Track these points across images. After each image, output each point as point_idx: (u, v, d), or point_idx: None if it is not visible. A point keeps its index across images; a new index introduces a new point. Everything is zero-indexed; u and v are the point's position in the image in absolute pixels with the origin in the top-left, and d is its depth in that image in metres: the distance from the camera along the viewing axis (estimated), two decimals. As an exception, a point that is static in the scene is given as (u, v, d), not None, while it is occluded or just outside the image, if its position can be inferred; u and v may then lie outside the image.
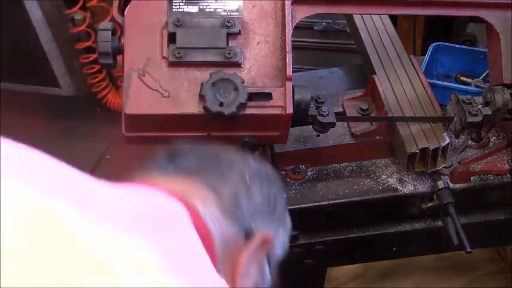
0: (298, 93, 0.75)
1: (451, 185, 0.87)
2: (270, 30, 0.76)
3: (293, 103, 0.73)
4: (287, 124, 0.75)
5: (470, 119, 0.81)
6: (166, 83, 0.72)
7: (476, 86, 1.05)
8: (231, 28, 0.74)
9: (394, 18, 1.13)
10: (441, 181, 0.86)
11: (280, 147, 0.89)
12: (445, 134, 0.85)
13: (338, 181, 0.90)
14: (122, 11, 0.75)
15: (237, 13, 0.75)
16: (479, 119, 0.81)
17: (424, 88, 0.93)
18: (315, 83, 1.13)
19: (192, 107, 0.71)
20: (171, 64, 0.72)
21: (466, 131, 0.93)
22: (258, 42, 0.75)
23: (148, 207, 0.48)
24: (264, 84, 0.74)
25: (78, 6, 2.20)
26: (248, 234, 0.56)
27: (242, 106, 0.70)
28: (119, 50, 0.74)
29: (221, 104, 0.70)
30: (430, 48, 1.10)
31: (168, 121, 0.73)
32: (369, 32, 1.08)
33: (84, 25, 2.28)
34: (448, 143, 0.84)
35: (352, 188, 0.88)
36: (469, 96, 0.84)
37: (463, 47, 1.16)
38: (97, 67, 2.38)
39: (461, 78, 1.11)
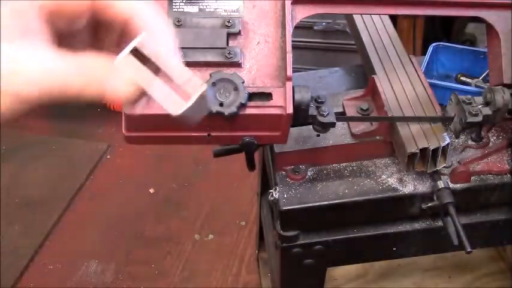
0: (298, 93, 0.75)
1: (451, 185, 0.87)
2: (270, 30, 0.76)
3: (293, 103, 0.73)
4: (287, 124, 0.75)
5: (470, 119, 0.81)
6: (167, 83, 0.72)
7: (476, 86, 1.05)
8: (231, 28, 0.74)
9: (394, 18, 1.13)
10: (441, 181, 0.86)
11: (280, 147, 0.89)
12: (445, 134, 0.85)
13: (338, 181, 0.90)
14: (122, 11, 0.74)
15: (237, 13, 0.76)
16: (479, 119, 0.81)
17: (424, 88, 0.93)
18: (315, 83, 1.13)
19: (192, 107, 0.71)
20: (171, 64, 0.72)
21: (466, 131, 0.93)
22: (258, 42, 0.75)
23: None
24: (264, 84, 0.74)
25: (78, 6, 2.20)
26: None
27: (242, 106, 0.70)
28: (119, 50, 0.74)
29: (221, 104, 0.70)
30: (430, 48, 1.10)
31: (168, 121, 0.72)
32: (369, 32, 1.08)
33: (84, 25, 2.28)
34: (448, 143, 0.84)
35: (352, 188, 0.88)
36: (469, 96, 0.84)
37: (463, 47, 1.16)
38: (97, 67, 2.38)
39: (461, 78, 1.11)
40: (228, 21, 0.74)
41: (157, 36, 0.44)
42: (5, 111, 0.40)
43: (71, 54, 0.41)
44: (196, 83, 0.43)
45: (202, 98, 0.43)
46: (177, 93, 0.43)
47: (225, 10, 0.75)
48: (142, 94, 0.43)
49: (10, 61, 0.39)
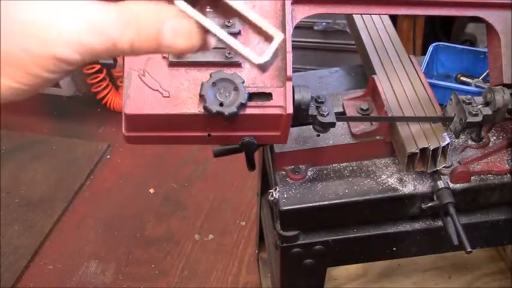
0: (298, 93, 0.75)
1: (451, 185, 0.87)
2: (270, 30, 0.76)
3: (293, 103, 0.73)
4: (287, 124, 0.75)
5: (470, 119, 0.81)
6: (166, 83, 0.72)
7: (476, 86, 1.05)
8: (231, 28, 0.74)
9: (394, 18, 1.13)
10: (441, 181, 0.86)
11: (280, 147, 0.89)
12: (445, 134, 0.85)
13: (338, 181, 0.90)
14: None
15: (237, 13, 0.75)
16: (479, 119, 0.81)
17: (424, 88, 0.93)
18: (315, 83, 1.13)
19: (192, 107, 0.72)
20: (171, 64, 0.72)
21: (466, 131, 0.93)
22: (258, 42, 0.75)
23: None
24: (264, 84, 0.74)
25: (78, 6, 2.19)
26: None
27: (242, 106, 0.70)
28: (119, 50, 0.74)
29: (221, 104, 0.70)
30: (430, 48, 1.10)
31: (168, 121, 0.73)
32: (369, 32, 1.08)
33: (84, 25, 2.27)
34: (448, 143, 0.84)
35: (352, 188, 0.88)
36: (469, 96, 0.84)
37: (463, 47, 1.16)
38: (97, 67, 2.39)
39: (461, 78, 1.10)
40: (228, 21, 0.74)
41: None
42: (46, 74, 0.34)
43: (112, 2, 0.35)
44: (273, 29, 0.37)
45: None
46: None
47: (225, 10, 0.75)
48: (203, 43, 0.37)
49: (44, 18, 0.33)
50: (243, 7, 0.36)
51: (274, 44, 0.37)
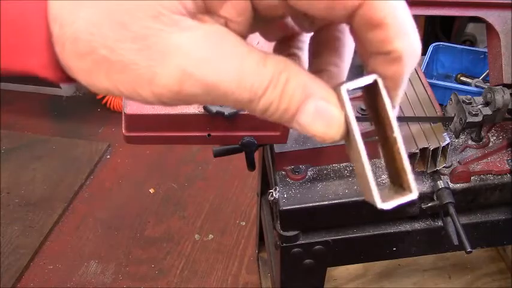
0: (298, 93, 0.75)
1: (451, 185, 0.87)
2: (270, 30, 0.76)
3: (293, 103, 0.73)
4: (287, 124, 0.75)
5: (470, 119, 0.81)
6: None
7: (476, 86, 1.06)
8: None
9: (394, 18, 1.13)
10: (441, 181, 0.86)
11: (280, 147, 0.89)
12: (445, 134, 0.85)
13: (338, 181, 0.90)
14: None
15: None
16: (479, 119, 0.81)
17: (424, 88, 0.93)
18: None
19: (192, 107, 0.72)
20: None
21: (466, 131, 0.93)
22: (258, 42, 0.75)
23: None
24: (264, 84, 0.74)
25: (78, 6, 2.19)
26: None
27: (242, 106, 0.71)
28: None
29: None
30: (430, 48, 1.10)
31: (168, 121, 0.73)
32: (369, 32, 1.08)
33: (84, 25, 2.27)
34: (448, 143, 0.84)
35: (352, 188, 0.88)
36: (469, 96, 0.84)
37: (463, 47, 1.16)
38: (97, 67, 2.38)
39: (461, 78, 1.11)
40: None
41: (398, 87, 0.31)
42: (147, 97, 0.27)
43: (258, 51, 0.28)
44: (413, 184, 0.32)
45: None
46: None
47: (225, 10, 0.75)
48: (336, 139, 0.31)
49: (197, 53, 0.26)
50: (402, 145, 0.32)
51: (403, 200, 0.32)
